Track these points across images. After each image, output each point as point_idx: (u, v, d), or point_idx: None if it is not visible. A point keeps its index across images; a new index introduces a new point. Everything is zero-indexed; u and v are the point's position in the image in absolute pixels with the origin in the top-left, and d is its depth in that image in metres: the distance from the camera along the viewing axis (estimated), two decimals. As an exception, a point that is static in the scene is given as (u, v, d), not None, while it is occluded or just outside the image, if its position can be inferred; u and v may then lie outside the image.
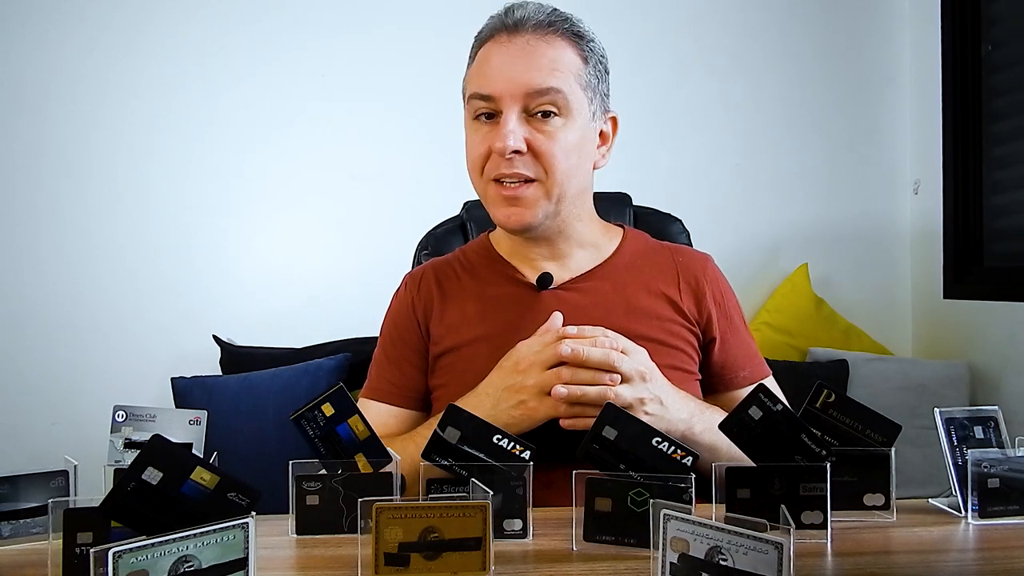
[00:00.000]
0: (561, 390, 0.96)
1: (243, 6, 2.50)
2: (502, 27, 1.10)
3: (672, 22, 2.61)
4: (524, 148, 1.07)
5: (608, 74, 1.16)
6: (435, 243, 1.45)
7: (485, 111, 1.10)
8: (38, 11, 2.43)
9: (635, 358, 0.99)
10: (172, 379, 2.21)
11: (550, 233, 1.14)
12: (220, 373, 2.28)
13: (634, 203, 1.48)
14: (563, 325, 1.05)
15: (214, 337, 2.35)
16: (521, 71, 1.07)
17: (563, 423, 0.97)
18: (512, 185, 1.08)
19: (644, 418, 0.95)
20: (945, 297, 2.47)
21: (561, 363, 0.98)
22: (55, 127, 2.45)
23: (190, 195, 2.49)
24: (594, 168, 1.16)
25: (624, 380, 0.97)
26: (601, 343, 0.98)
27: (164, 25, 2.47)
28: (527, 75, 1.06)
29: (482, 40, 1.13)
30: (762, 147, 2.63)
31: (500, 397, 1.00)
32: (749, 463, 0.84)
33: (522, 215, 1.10)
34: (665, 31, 2.60)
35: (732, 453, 0.89)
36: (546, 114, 1.07)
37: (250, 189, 2.51)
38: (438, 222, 1.50)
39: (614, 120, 1.18)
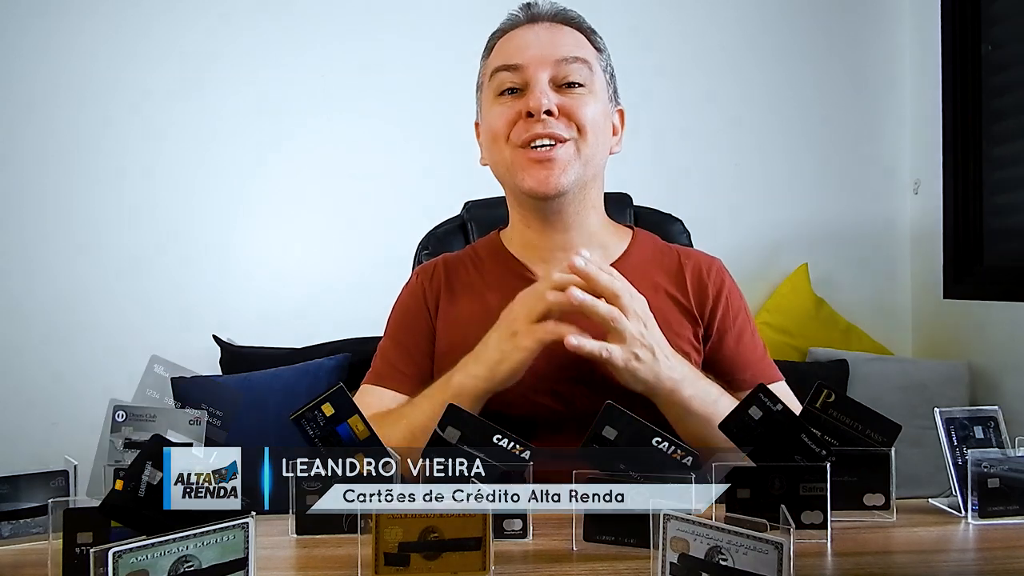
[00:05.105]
0: (576, 293, 0.95)
1: (245, 7, 2.50)
2: (521, 19, 1.17)
3: (672, 22, 2.61)
4: (556, 111, 1.09)
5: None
6: (435, 243, 1.45)
7: (511, 85, 1.12)
8: (45, 14, 2.43)
9: (636, 302, 1.00)
10: (172, 379, 2.20)
11: (567, 213, 1.14)
12: (220, 373, 2.28)
13: (634, 203, 1.48)
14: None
15: (214, 337, 2.35)
16: (547, 43, 1.12)
17: (569, 342, 0.95)
18: (544, 148, 1.09)
19: (633, 363, 0.96)
20: (945, 297, 2.47)
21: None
22: (59, 128, 2.45)
23: (190, 195, 2.49)
24: (610, 153, 1.18)
25: (626, 315, 0.97)
26: (605, 279, 0.99)
27: (168, 28, 2.47)
28: (553, 46, 1.12)
29: (499, 34, 1.18)
30: (762, 147, 2.63)
31: (492, 338, 1.02)
32: (747, 461, 0.84)
33: (557, 179, 1.09)
34: (665, 31, 2.60)
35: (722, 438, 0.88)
36: (571, 84, 1.11)
37: (251, 189, 2.51)
38: (439, 222, 1.50)
39: (621, 113, 1.21)
